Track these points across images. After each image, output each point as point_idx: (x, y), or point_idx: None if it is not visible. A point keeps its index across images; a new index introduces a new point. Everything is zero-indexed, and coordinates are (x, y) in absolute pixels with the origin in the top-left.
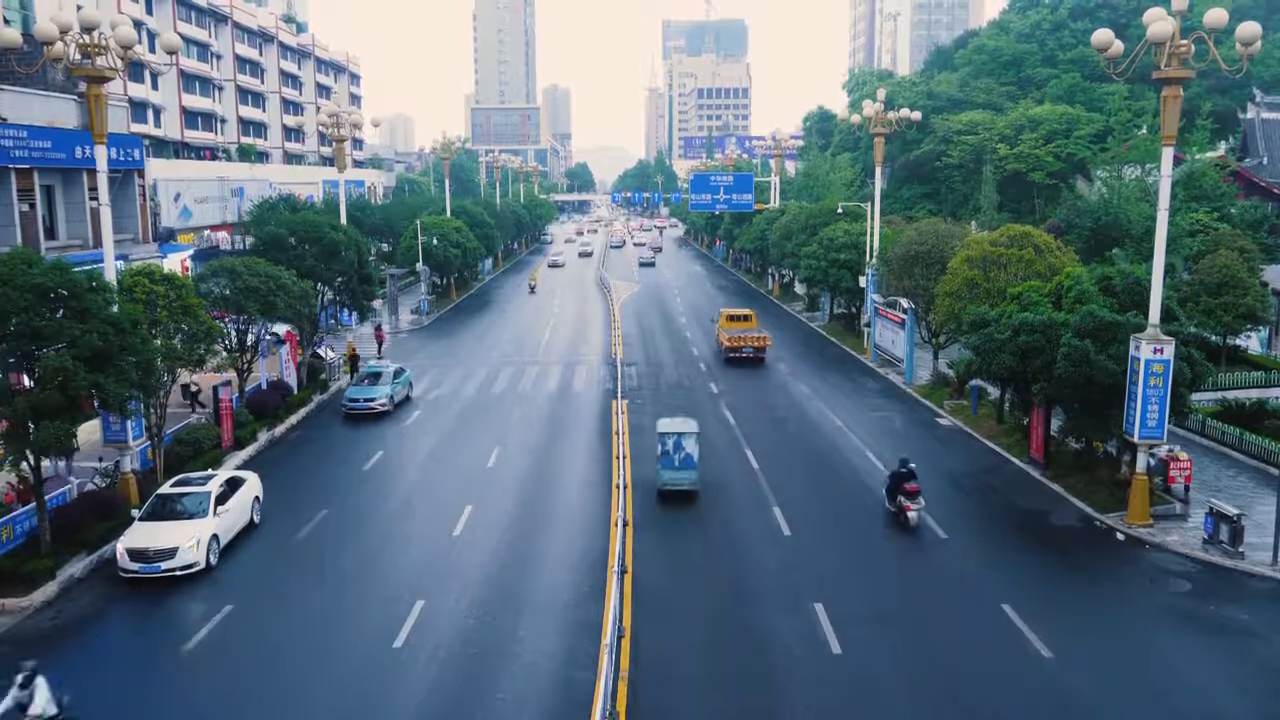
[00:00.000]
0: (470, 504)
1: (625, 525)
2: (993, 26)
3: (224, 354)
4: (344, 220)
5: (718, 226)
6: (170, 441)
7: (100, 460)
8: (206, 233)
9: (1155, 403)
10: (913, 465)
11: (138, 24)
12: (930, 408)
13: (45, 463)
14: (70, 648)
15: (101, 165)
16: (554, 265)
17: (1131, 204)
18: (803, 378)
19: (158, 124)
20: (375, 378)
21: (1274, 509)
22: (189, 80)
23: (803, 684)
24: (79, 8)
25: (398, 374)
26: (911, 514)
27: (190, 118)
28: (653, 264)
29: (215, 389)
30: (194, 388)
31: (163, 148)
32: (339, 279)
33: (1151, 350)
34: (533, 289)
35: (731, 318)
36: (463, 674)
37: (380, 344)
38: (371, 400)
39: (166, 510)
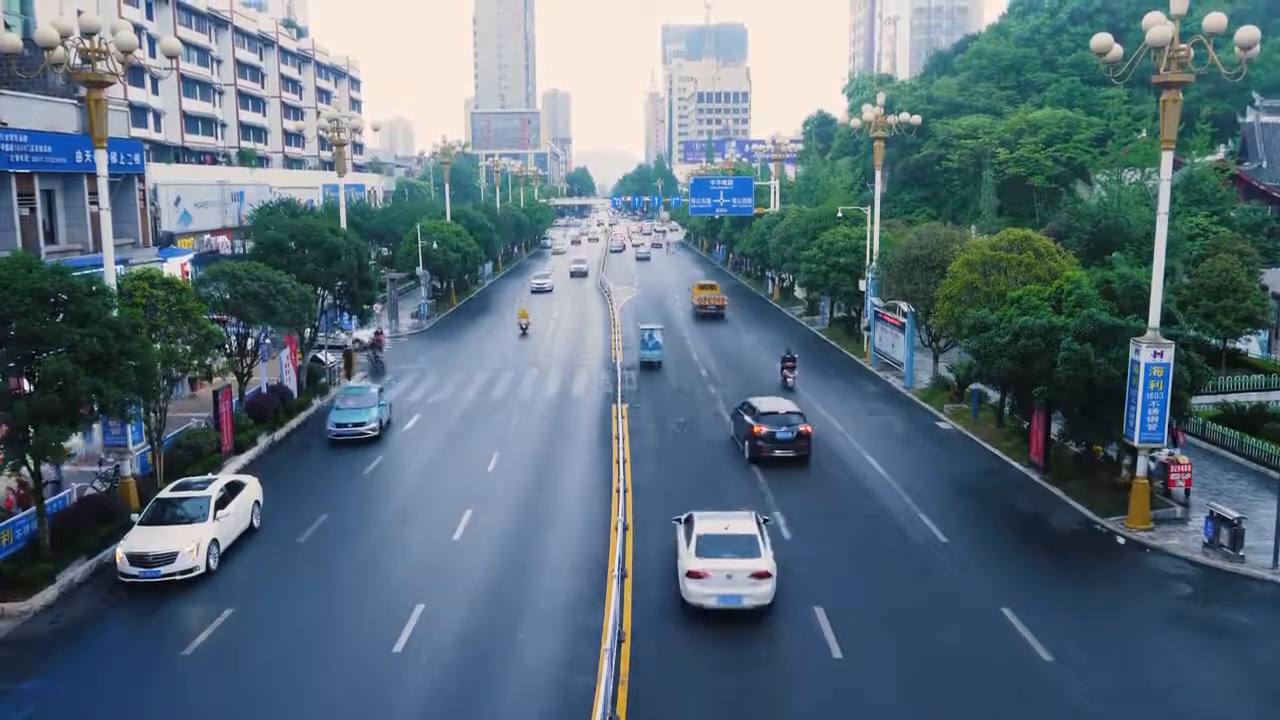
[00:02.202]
0: (470, 508)
1: (625, 529)
2: (992, 31)
3: (224, 359)
4: (344, 224)
5: (718, 230)
6: (170, 446)
7: (100, 464)
8: (206, 237)
9: (1155, 406)
10: (795, 355)
11: (138, 29)
12: (930, 411)
13: (49, 468)
14: (69, 652)
15: (102, 170)
16: (539, 290)
17: (1131, 208)
18: (801, 381)
19: (158, 128)
20: (357, 398)
21: (1274, 512)
22: (189, 85)
23: (801, 688)
24: (79, 12)
25: (379, 394)
26: (790, 380)
27: (190, 122)
28: (648, 258)
29: (215, 393)
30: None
31: (163, 152)
32: (339, 283)
33: (1151, 354)
34: (524, 331)
35: (701, 286)
36: (463, 678)
37: (380, 348)
38: (361, 425)
39: (166, 515)
